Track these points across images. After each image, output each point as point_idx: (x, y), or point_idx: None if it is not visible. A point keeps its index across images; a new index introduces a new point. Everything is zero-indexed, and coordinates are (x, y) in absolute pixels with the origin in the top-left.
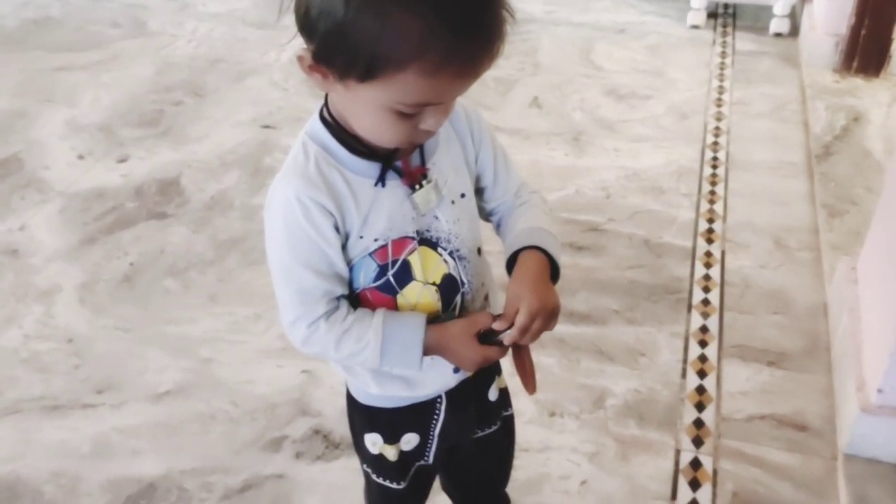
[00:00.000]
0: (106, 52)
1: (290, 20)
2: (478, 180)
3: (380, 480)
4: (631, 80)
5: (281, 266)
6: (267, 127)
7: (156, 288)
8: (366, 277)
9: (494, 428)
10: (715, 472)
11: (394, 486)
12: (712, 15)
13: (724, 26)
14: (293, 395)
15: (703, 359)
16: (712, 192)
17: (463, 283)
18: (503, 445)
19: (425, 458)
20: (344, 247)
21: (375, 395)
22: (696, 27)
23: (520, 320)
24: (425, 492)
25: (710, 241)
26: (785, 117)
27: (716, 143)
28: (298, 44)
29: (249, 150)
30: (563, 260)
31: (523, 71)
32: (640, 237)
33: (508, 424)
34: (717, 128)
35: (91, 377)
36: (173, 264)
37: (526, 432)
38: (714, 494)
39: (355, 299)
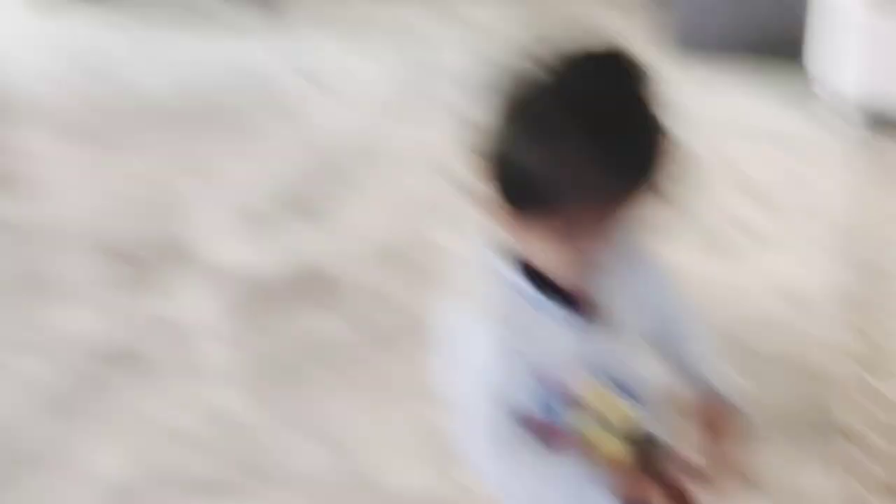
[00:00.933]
0: (258, 134)
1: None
2: (665, 331)
3: None
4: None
5: (469, 402)
6: (415, 220)
7: (306, 376)
8: (529, 398)
9: None
10: None
11: None
12: (871, 125)
13: (880, 138)
14: (429, 493)
15: (862, 498)
16: (867, 316)
17: (647, 433)
18: None
19: None
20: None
21: None
22: (851, 139)
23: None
24: None
25: (871, 371)
26: None
27: (872, 261)
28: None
29: (400, 242)
30: None
31: None
32: (789, 359)
33: None
34: (875, 244)
35: (240, 459)
36: (325, 354)
37: None
38: None
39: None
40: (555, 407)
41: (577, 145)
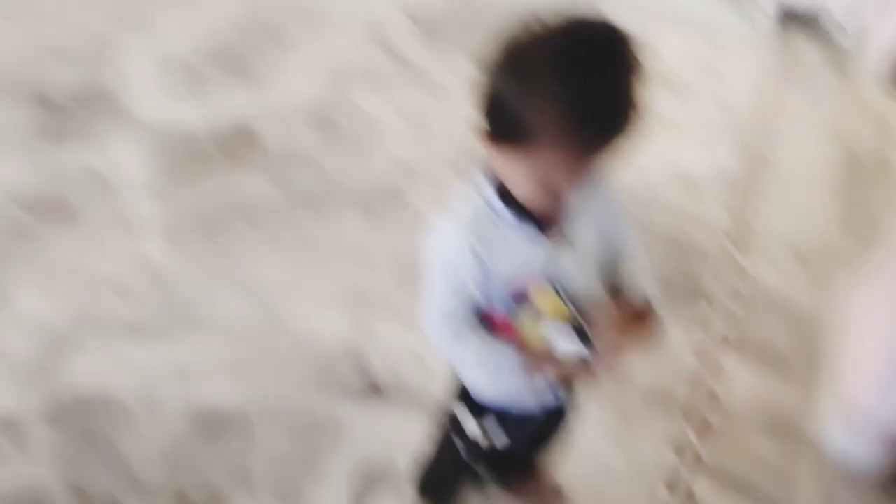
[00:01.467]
0: None
1: None
2: (612, 251)
3: (470, 450)
4: (685, 74)
5: (433, 285)
6: (341, 83)
7: (232, 231)
8: (498, 303)
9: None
10: (709, 459)
11: (482, 458)
12: (782, 19)
13: (789, 32)
14: (349, 344)
15: (713, 356)
16: (746, 199)
17: (578, 325)
18: (566, 418)
19: (513, 447)
20: (484, 281)
21: (488, 396)
22: (762, 29)
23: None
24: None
25: (736, 246)
26: (830, 131)
27: (758, 150)
28: None
29: (323, 104)
30: None
31: None
32: (673, 237)
33: (567, 409)
34: (763, 134)
35: (172, 308)
36: (248, 210)
37: None
38: (705, 478)
39: (484, 322)
40: (511, 305)
41: (553, 91)
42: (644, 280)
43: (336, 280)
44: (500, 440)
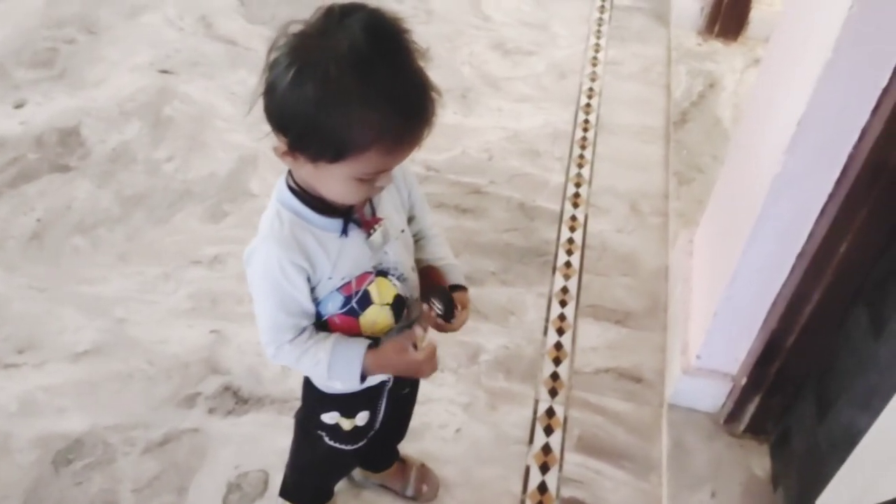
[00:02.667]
0: None
1: None
2: (409, 215)
3: (333, 444)
4: (517, 34)
5: (259, 307)
6: (165, 72)
7: (65, 246)
8: (333, 307)
9: (408, 389)
10: (565, 420)
11: (345, 447)
12: None
13: None
14: (203, 353)
15: (562, 318)
16: (581, 156)
17: (407, 298)
18: (411, 402)
19: (374, 427)
20: (314, 288)
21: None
22: None
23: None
24: (361, 451)
25: (575, 204)
26: (651, 80)
27: (588, 106)
28: None
29: (149, 97)
30: (449, 222)
31: (416, 18)
32: (517, 200)
33: (416, 385)
34: (591, 89)
35: (10, 337)
36: (81, 221)
37: None
38: (563, 439)
39: (324, 325)
40: (347, 304)
41: (371, 104)
42: (443, 246)
43: (184, 285)
44: (361, 417)
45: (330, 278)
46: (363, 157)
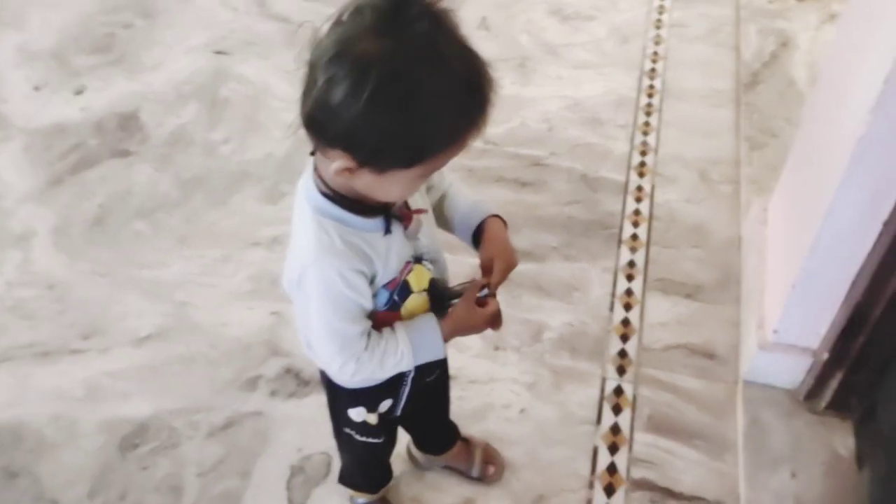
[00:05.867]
0: None
1: None
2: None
3: (364, 439)
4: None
5: (325, 327)
6: (220, 53)
7: (127, 231)
8: (379, 304)
9: (438, 372)
10: (634, 398)
11: (376, 441)
12: None
13: None
14: (264, 335)
15: (629, 292)
16: (646, 124)
17: (438, 280)
18: (444, 383)
19: (395, 413)
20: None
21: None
22: None
23: (497, 278)
24: (395, 436)
25: (641, 174)
26: (720, 41)
27: (653, 70)
28: None
29: (205, 79)
30: (508, 196)
31: None
32: (579, 172)
33: (445, 365)
34: (656, 52)
35: (76, 323)
36: (141, 205)
37: (473, 366)
38: (633, 418)
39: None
40: (392, 297)
41: (456, 103)
42: (461, 193)
43: (244, 267)
44: (384, 405)
45: (383, 278)
46: (441, 155)
